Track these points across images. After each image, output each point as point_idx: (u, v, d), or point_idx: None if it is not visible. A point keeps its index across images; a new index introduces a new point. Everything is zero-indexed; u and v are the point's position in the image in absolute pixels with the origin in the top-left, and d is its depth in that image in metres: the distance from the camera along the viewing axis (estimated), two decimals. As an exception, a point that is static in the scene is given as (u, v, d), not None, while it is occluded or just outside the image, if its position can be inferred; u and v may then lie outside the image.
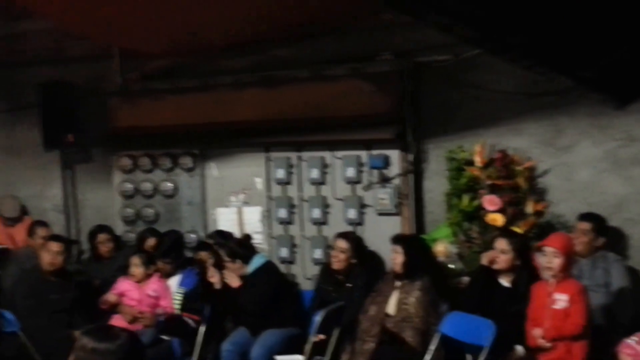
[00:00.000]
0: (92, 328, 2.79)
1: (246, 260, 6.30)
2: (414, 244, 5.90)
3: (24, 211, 8.10)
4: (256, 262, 6.33)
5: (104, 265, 7.11)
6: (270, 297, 6.19)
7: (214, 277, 6.29)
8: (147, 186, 7.62)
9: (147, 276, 6.45)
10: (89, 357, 2.65)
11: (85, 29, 6.73)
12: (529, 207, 6.11)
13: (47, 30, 7.74)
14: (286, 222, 7.04)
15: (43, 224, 7.27)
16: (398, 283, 5.75)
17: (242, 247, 6.43)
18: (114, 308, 6.40)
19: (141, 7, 5.69)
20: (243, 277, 6.28)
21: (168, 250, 6.62)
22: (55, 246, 6.38)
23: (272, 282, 6.29)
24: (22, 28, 7.95)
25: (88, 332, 2.75)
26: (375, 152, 6.66)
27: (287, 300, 6.39)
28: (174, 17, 5.95)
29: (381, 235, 6.49)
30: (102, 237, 7.19)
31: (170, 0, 5.63)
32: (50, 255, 6.34)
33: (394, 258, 5.74)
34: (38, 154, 8.00)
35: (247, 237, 6.77)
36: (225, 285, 6.31)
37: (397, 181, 6.60)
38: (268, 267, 6.42)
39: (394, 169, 6.62)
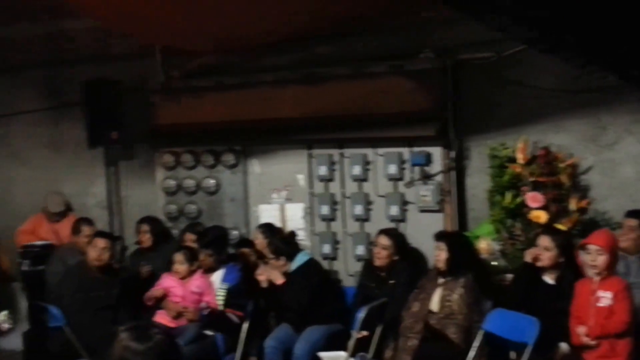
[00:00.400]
0: (133, 325, 2.83)
1: (290, 257, 6.35)
2: (457, 241, 5.92)
3: (68, 207, 8.21)
4: (300, 260, 6.38)
5: (147, 257, 7.17)
6: (313, 294, 6.23)
7: (262, 274, 6.34)
8: (189, 183, 7.67)
9: (191, 272, 6.51)
10: (122, 354, 2.71)
11: (129, 27, 6.82)
12: (572, 204, 6.09)
13: (91, 29, 7.86)
14: (328, 219, 7.08)
15: (88, 221, 7.35)
16: (441, 280, 5.76)
17: (287, 244, 6.47)
18: (159, 303, 6.46)
19: (184, 6, 5.75)
20: (286, 274, 6.33)
21: (210, 242, 6.65)
22: (101, 242, 6.45)
23: (315, 280, 6.32)
24: (67, 27, 8.08)
25: (128, 328, 2.80)
26: (416, 149, 6.67)
27: (329, 297, 6.42)
28: (217, 15, 5.99)
29: (423, 232, 6.51)
30: (140, 227, 7.29)
31: (213, -1, 5.69)
32: (96, 252, 6.41)
33: (438, 255, 5.76)
34: (82, 151, 8.10)
35: (291, 235, 6.81)
36: (268, 282, 6.37)
37: (439, 178, 6.61)
38: (311, 265, 6.45)
39: (436, 166, 6.63)
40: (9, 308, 7.66)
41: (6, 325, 5.52)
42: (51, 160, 8.46)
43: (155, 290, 6.43)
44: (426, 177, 6.62)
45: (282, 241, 6.53)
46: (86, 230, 7.11)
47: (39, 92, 8.43)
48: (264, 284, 6.32)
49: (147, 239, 7.25)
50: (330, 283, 6.71)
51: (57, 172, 8.39)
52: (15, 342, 7.33)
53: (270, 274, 6.31)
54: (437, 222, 6.54)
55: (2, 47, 8.35)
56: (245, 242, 7.09)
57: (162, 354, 2.72)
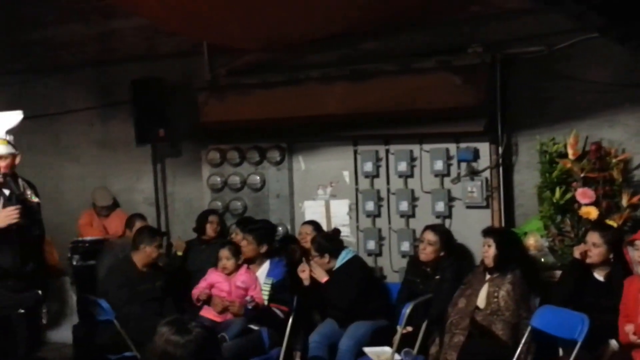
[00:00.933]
0: (172, 319, 2.92)
1: (334, 254, 6.34)
2: (505, 237, 5.86)
3: (115, 202, 8.31)
4: (344, 257, 6.37)
5: (199, 250, 7.23)
6: (357, 292, 6.22)
7: (304, 272, 6.33)
8: (235, 179, 7.69)
9: (237, 268, 6.52)
10: (163, 346, 2.79)
11: (177, 25, 6.88)
12: (624, 200, 5.96)
13: (139, 28, 7.95)
14: (373, 215, 7.04)
15: (141, 217, 7.45)
16: (488, 276, 5.71)
17: (331, 242, 6.46)
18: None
19: (231, 3, 5.78)
20: (330, 272, 6.32)
21: (254, 230, 6.64)
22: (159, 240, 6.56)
23: (359, 277, 6.32)
24: (115, 26, 8.18)
25: (168, 322, 2.88)
26: (463, 144, 6.61)
27: (374, 294, 6.39)
28: (264, 13, 6.02)
29: (470, 228, 6.47)
30: (212, 218, 7.31)
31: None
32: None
33: (485, 251, 5.70)
34: (130, 148, 8.20)
35: (336, 232, 6.80)
36: (312, 279, 6.36)
37: (486, 174, 6.54)
38: (355, 262, 6.45)
39: (483, 161, 6.55)
40: (59, 302, 7.83)
41: (43, 321, 5.62)
42: (100, 158, 8.57)
43: (203, 293, 6.43)
44: (473, 173, 6.56)
45: (326, 238, 6.52)
46: (139, 225, 7.18)
47: (89, 90, 8.56)
48: (306, 282, 6.31)
49: (215, 230, 7.28)
50: (374, 280, 6.68)
51: (106, 169, 8.50)
52: (65, 335, 7.47)
53: (314, 272, 6.31)
54: (484, 218, 6.46)
55: (54, 47, 8.51)
56: (290, 238, 7.10)
57: (201, 347, 2.79)
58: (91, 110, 8.54)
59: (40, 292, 5.44)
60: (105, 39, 8.33)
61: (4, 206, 5.27)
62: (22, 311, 5.28)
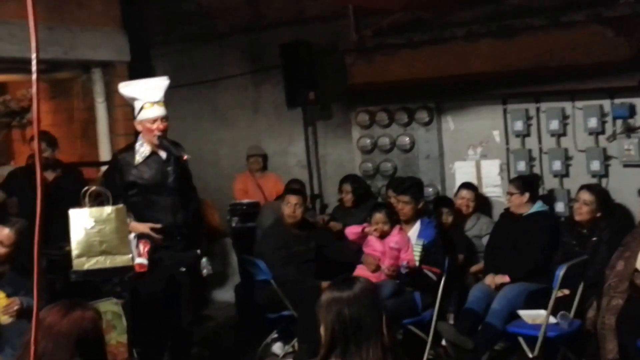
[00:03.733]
0: (334, 281, 3.11)
1: (533, 198, 6.39)
2: (665, 197, 5.64)
3: (266, 155, 8.51)
4: (540, 206, 6.41)
5: (349, 214, 7.28)
6: (543, 246, 6.23)
7: None
8: (384, 141, 7.75)
9: (390, 230, 6.55)
10: (332, 307, 2.93)
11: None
12: None
13: (288, -8, 8.10)
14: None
15: (298, 184, 7.61)
16: (648, 238, 5.53)
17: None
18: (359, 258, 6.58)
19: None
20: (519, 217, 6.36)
21: (408, 188, 6.64)
22: (293, 199, 6.60)
23: (548, 230, 6.28)
24: (267, -7, 8.38)
25: (331, 285, 3.08)
26: (618, 100, 6.35)
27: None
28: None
29: (628, 187, 6.26)
30: (344, 187, 7.37)
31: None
32: (289, 208, 6.56)
33: (644, 211, 5.52)
34: (282, 112, 8.40)
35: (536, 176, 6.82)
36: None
37: (644, 131, 6.29)
38: (549, 215, 6.44)
39: (641, 118, 6.31)
40: (222, 262, 8.23)
41: (205, 271, 5.74)
42: (254, 122, 8.82)
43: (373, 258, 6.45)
44: (630, 130, 6.31)
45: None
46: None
47: (241, 56, 8.81)
48: None
49: (349, 199, 7.35)
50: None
51: (260, 133, 8.75)
52: (228, 295, 7.87)
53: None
54: (643, 178, 6.24)
55: (208, 15, 8.81)
56: (442, 199, 7.09)
57: (365, 297, 2.94)
58: (244, 75, 8.78)
59: (199, 251, 5.61)
60: (255, 5, 8.53)
61: (162, 168, 5.36)
62: (184, 269, 5.46)
